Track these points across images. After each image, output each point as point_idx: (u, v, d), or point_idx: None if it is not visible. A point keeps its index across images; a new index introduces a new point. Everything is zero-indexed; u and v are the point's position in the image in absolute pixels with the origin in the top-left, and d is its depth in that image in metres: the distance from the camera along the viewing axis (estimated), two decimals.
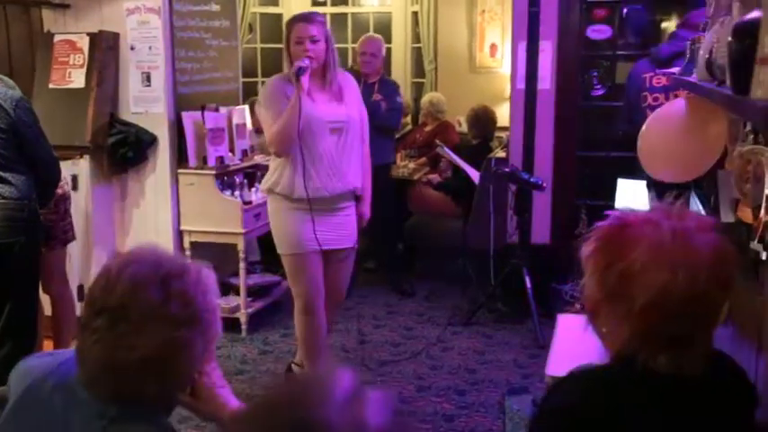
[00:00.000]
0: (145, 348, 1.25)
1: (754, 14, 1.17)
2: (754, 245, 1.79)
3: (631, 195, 3.60)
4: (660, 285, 1.31)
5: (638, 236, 1.36)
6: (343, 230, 3.52)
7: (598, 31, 5.22)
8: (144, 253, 1.33)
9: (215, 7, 5.01)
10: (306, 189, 3.35)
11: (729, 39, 1.25)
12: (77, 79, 4.51)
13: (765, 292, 1.73)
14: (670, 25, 5.28)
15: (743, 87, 1.20)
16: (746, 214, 1.85)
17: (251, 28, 8.12)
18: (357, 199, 3.61)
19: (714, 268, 1.32)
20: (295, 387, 0.86)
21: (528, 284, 4.68)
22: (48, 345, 3.86)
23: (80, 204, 4.44)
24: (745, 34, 1.19)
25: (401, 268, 5.70)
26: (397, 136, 6.82)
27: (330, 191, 3.39)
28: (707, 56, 1.82)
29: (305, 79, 3.25)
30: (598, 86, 5.41)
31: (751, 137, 1.92)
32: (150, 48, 4.54)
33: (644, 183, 3.40)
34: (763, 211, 1.72)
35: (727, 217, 2.13)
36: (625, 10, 5.40)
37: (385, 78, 5.56)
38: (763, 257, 1.75)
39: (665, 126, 2.46)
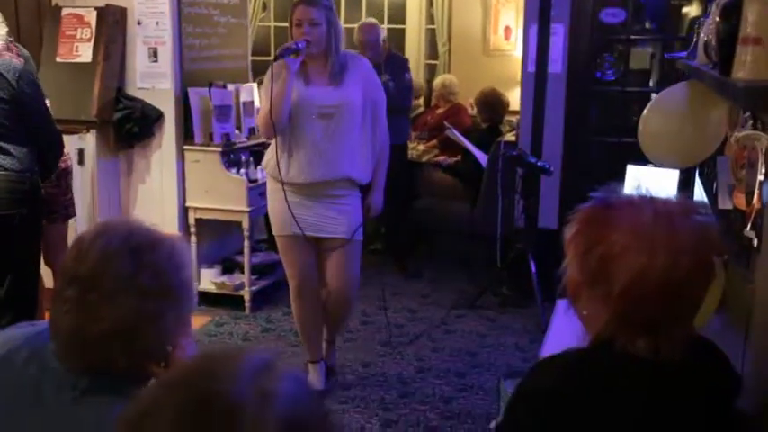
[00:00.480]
0: (113, 319, 1.24)
1: None
2: (747, 231, 1.76)
3: (641, 181, 3.56)
4: (639, 268, 1.29)
5: (620, 218, 1.34)
6: (332, 219, 3.41)
7: (612, 15, 5.14)
8: (117, 224, 1.33)
9: None
10: (286, 172, 3.31)
11: (717, 19, 1.22)
12: (84, 53, 4.51)
13: (756, 280, 1.71)
14: (691, 10, 5.20)
15: (727, 68, 1.17)
16: (741, 201, 1.82)
17: (265, 6, 8.10)
18: (363, 189, 3.52)
19: (695, 253, 1.30)
20: (205, 361, 0.86)
21: (533, 269, 4.66)
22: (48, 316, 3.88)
23: (86, 179, 4.46)
24: (731, 14, 1.16)
25: (407, 250, 5.66)
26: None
27: (311, 177, 3.30)
28: (705, 38, 1.78)
29: (290, 61, 3.17)
30: (610, 71, 5.35)
31: (750, 123, 1.89)
32: (157, 23, 4.52)
33: (653, 168, 3.36)
34: (755, 197, 1.70)
35: (724, 203, 2.10)
36: None
37: (392, 55, 5.41)
38: (755, 244, 1.73)
39: (667, 111, 2.42)
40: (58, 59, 4.53)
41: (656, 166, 2.91)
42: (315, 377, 3.69)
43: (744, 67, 1.10)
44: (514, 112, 5.89)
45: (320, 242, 3.47)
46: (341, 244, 3.44)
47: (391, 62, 5.23)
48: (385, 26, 8.53)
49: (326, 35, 3.26)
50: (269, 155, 3.44)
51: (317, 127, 3.28)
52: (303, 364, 3.69)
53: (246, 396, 0.79)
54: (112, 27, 4.53)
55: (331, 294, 3.58)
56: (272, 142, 3.43)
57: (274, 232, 3.53)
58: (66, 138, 3.90)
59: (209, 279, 4.76)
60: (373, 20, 5.54)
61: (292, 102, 3.24)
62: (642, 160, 3.64)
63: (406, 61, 5.48)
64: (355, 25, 8.63)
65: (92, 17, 4.52)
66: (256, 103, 5.05)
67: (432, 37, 8.21)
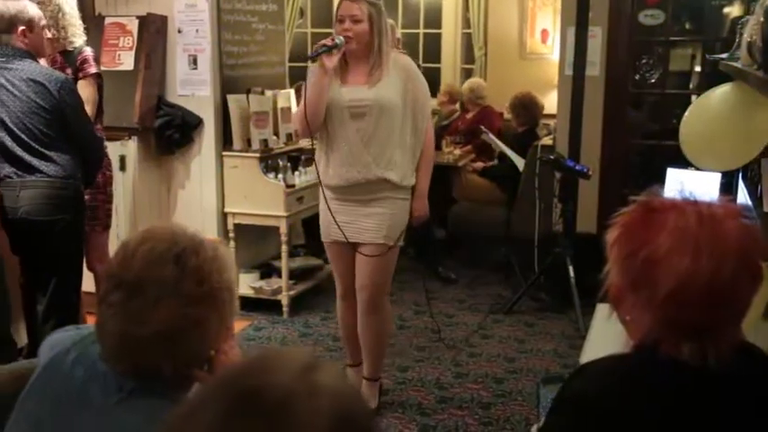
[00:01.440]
0: (158, 323, 1.26)
1: None
2: None
3: (681, 183, 3.51)
4: (684, 271, 1.27)
5: (663, 221, 1.32)
6: (370, 224, 3.29)
7: (651, 16, 5.09)
8: (161, 230, 1.34)
9: None
10: (325, 175, 3.27)
11: (761, 19, 1.20)
12: (126, 61, 4.58)
13: None
14: (732, 10, 5.12)
15: None
16: None
17: (302, 12, 8.15)
18: (411, 191, 3.39)
19: (741, 256, 1.28)
20: (252, 360, 0.87)
21: (571, 274, 4.62)
22: (91, 320, 3.94)
23: (127, 185, 4.53)
24: None
25: (441, 255, 5.62)
26: (444, 123, 6.79)
27: (346, 180, 3.23)
28: (749, 39, 1.75)
29: (328, 60, 3.07)
30: (650, 73, 5.29)
31: None
32: (197, 31, 4.58)
33: (694, 171, 3.32)
34: None
35: None
36: None
37: None
38: None
39: (709, 113, 2.39)
40: (101, 67, 4.59)
41: (696, 169, 2.87)
42: (357, 382, 3.66)
43: None
44: (551, 116, 5.85)
45: (357, 246, 3.38)
46: (377, 249, 3.32)
47: None
48: (421, 30, 8.56)
49: (369, 33, 3.16)
50: (316, 156, 3.39)
51: (351, 127, 3.20)
52: (342, 368, 3.68)
53: (297, 388, 0.80)
54: (154, 35, 4.60)
55: (359, 296, 3.44)
56: (318, 144, 3.37)
57: (322, 238, 3.49)
58: (108, 144, 3.98)
59: (247, 284, 4.79)
60: (389, 21, 5.47)
61: (328, 101, 3.17)
62: (682, 163, 3.59)
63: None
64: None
65: (134, 26, 4.60)
66: (293, 109, 5.09)
67: (468, 41, 8.19)
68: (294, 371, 0.82)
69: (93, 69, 3.72)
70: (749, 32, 1.81)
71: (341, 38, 3.11)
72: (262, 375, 0.82)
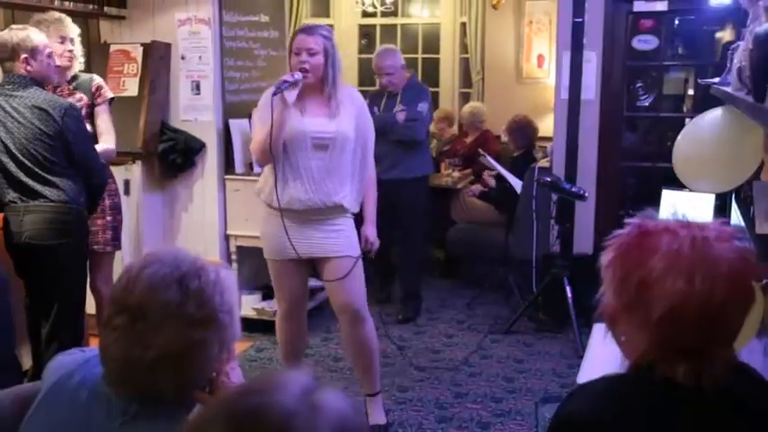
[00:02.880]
0: (161, 347, 1.26)
1: None
2: None
3: (676, 206, 3.52)
4: (677, 293, 1.28)
5: (656, 244, 1.33)
6: (326, 240, 3.34)
7: (644, 42, 5.12)
8: (164, 254, 1.35)
9: (264, 18, 5.07)
10: (282, 199, 3.27)
11: (750, 47, 1.21)
12: (131, 87, 4.61)
13: None
14: (724, 35, 5.16)
15: (761, 94, 1.16)
16: None
17: (367, 38, 8.25)
18: (357, 217, 3.46)
19: (733, 277, 1.28)
20: (253, 381, 0.87)
21: (569, 294, 4.62)
22: (94, 342, 3.94)
23: (131, 208, 4.54)
24: (764, 42, 1.15)
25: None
26: (446, 148, 6.81)
27: (304, 204, 3.26)
28: (738, 64, 1.77)
29: (288, 95, 3.13)
30: (644, 96, 5.32)
31: None
32: (200, 57, 4.62)
33: (688, 193, 3.32)
34: None
35: (762, 228, 2.07)
36: (677, 21, 5.30)
37: (411, 84, 5.13)
38: None
39: (701, 136, 2.40)
40: None
41: (690, 190, 2.88)
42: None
43: None
44: (548, 139, 5.87)
45: (318, 263, 3.42)
46: (338, 262, 3.35)
47: (407, 92, 5.02)
48: (420, 55, 8.60)
49: (324, 65, 3.23)
50: (262, 181, 3.43)
51: (312, 156, 3.25)
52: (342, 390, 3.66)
53: (297, 408, 0.80)
54: (157, 62, 4.63)
55: (340, 315, 3.47)
56: (265, 169, 3.41)
57: (266, 256, 3.47)
58: (113, 169, 4.00)
59: (249, 305, 4.79)
60: (391, 46, 5.41)
61: (288, 131, 3.22)
62: (677, 185, 3.61)
63: (423, 91, 5.17)
64: None
65: (138, 53, 4.63)
66: None
67: (465, 66, 8.24)
68: (295, 392, 0.82)
69: (110, 94, 3.81)
70: (739, 58, 1.83)
71: (298, 73, 3.18)
72: (263, 396, 0.82)
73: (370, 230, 3.51)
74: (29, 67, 3.23)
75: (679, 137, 2.49)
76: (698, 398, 1.30)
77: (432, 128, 7.22)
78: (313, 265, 3.49)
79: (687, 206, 3.32)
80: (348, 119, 3.30)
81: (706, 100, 3.96)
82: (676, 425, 1.29)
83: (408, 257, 5.19)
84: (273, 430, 0.79)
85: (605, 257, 1.40)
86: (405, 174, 4.89)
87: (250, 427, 0.80)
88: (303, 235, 3.33)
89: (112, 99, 3.83)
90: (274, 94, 3.16)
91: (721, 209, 3.32)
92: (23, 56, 3.21)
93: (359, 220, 3.53)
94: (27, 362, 3.60)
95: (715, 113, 2.39)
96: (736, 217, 2.89)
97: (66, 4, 4.37)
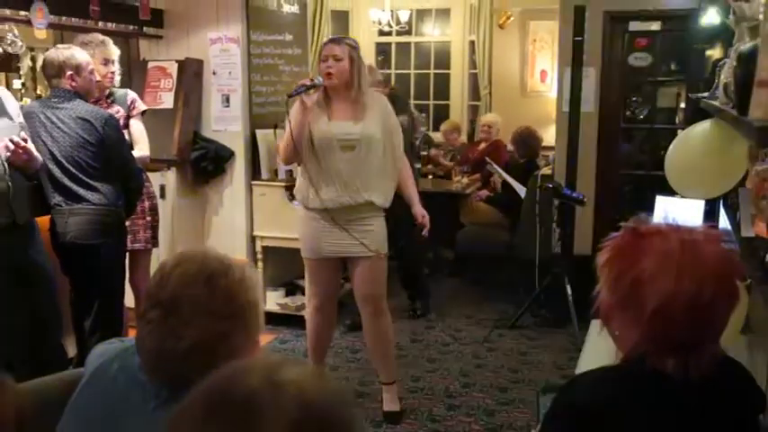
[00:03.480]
0: (191, 338, 1.27)
1: (755, 42, 1.12)
2: None
3: (669, 211, 3.50)
4: (668, 291, 1.27)
5: (649, 246, 1.33)
6: (358, 240, 3.32)
7: (640, 59, 5.11)
8: (194, 253, 1.36)
9: (288, 37, 5.09)
10: (314, 199, 3.29)
11: (734, 63, 1.20)
12: (167, 101, 4.64)
13: None
14: (714, 53, 5.12)
15: (744, 108, 1.16)
16: (762, 229, 1.78)
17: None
18: (386, 211, 3.44)
19: (720, 278, 1.28)
20: (224, 368, 0.87)
21: (569, 292, 4.60)
22: (132, 333, 3.96)
23: (167, 212, 4.56)
24: (747, 60, 1.14)
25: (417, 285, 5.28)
26: (459, 155, 6.79)
27: (335, 203, 3.26)
28: (725, 80, 1.76)
29: (306, 97, 3.15)
30: (639, 109, 5.29)
31: None
32: (230, 73, 4.64)
33: (681, 199, 3.30)
34: None
35: (747, 231, 2.05)
36: (670, 39, 5.27)
37: (390, 97, 4.12)
38: None
39: (691, 147, 2.39)
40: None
41: (683, 196, 2.86)
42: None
43: (760, 108, 1.09)
44: (550, 148, 5.85)
45: (349, 260, 3.42)
46: (367, 260, 3.35)
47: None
48: (431, 71, 8.61)
49: (349, 70, 3.23)
50: (298, 184, 3.43)
51: (340, 158, 3.25)
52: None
53: (260, 386, 0.80)
54: (191, 77, 4.66)
55: (362, 307, 3.47)
56: (300, 174, 3.41)
57: (303, 255, 3.47)
58: (150, 175, 4.03)
59: (274, 301, 4.80)
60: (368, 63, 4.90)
61: (318, 134, 3.22)
62: (670, 192, 3.59)
63: (403, 105, 4.79)
64: (408, 71, 8.77)
65: (173, 69, 4.66)
66: None
67: (474, 81, 8.23)
68: (258, 372, 0.83)
69: (143, 107, 3.86)
70: (725, 74, 1.82)
71: (320, 78, 3.20)
72: (230, 379, 0.83)
73: (418, 209, 3.50)
74: (73, 83, 3.26)
75: (671, 147, 2.48)
76: (685, 389, 1.29)
77: (440, 138, 7.24)
78: (343, 261, 3.48)
79: (679, 211, 3.32)
80: (374, 121, 3.29)
81: (697, 113, 3.94)
82: (665, 414, 1.28)
83: (412, 263, 5.08)
84: (239, 408, 0.79)
85: (601, 258, 1.40)
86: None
87: (219, 410, 0.80)
88: (336, 235, 3.33)
89: (144, 111, 3.87)
90: (291, 96, 3.18)
91: (710, 214, 3.30)
92: (69, 72, 3.25)
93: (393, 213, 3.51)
94: (72, 351, 3.63)
95: (704, 125, 2.37)
96: (723, 221, 2.87)
97: (110, 25, 4.41)
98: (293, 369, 0.84)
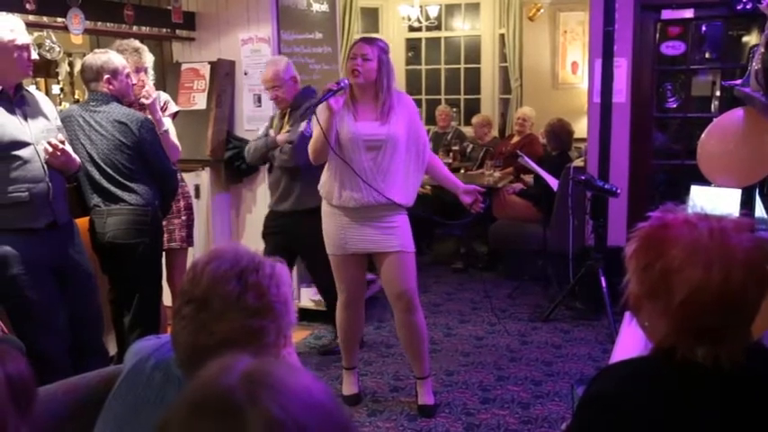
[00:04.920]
0: (223, 333, 1.29)
1: None
2: None
3: (703, 200, 3.45)
4: (697, 281, 1.26)
5: (677, 235, 1.32)
6: (382, 236, 3.34)
7: (672, 47, 5.03)
8: (225, 250, 1.38)
9: (318, 35, 5.12)
10: (339, 197, 3.32)
11: (762, 50, 1.19)
12: (200, 101, 4.71)
13: None
14: (751, 39, 5.02)
15: None
16: None
17: (413, 50, 8.36)
18: (408, 210, 3.44)
19: (749, 266, 1.26)
20: (206, 368, 0.89)
21: (603, 284, 4.56)
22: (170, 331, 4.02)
23: (202, 210, 4.63)
24: None
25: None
26: (491, 148, 6.78)
27: (359, 202, 3.29)
28: (756, 67, 1.73)
29: (333, 101, 3.15)
30: (672, 99, 5.21)
31: None
32: (261, 73, 4.67)
33: (716, 188, 3.25)
34: None
35: None
36: (704, 27, 5.18)
37: (301, 99, 4.07)
38: None
39: (724, 135, 2.35)
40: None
41: (717, 185, 2.81)
42: (348, 383, 3.71)
43: None
44: (582, 140, 5.80)
45: (375, 257, 3.44)
46: (394, 256, 3.37)
47: (296, 109, 4.08)
48: (462, 66, 8.59)
49: (377, 70, 3.24)
50: (323, 180, 3.45)
51: (366, 157, 3.26)
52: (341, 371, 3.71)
53: (239, 385, 0.81)
54: (223, 78, 4.71)
55: (390, 295, 3.47)
56: (325, 170, 3.43)
57: (329, 251, 3.49)
58: (185, 175, 4.10)
59: (308, 297, 4.84)
60: (278, 57, 4.26)
61: (344, 134, 3.25)
62: (706, 181, 3.53)
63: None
64: (439, 66, 8.76)
65: (206, 70, 4.72)
66: None
67: (505, 74, 8.19)
68: (239, 371, 0.84)
69: (175, 108, 3.93)
70: (757, 61, 1.79)
71: (345, 80, 3.21)
72: (211, 379, 0.85)
73: (462, 187, 3.53)
74: (110, 86, 3.33)
75: (702, 136, 2.44)
76: (716, 379, 1.28)
77: (471, 132, 7.22)
78: (370, 258, 3.50)
79: (714, 201, 3.27)
80: (399, 122, 3.31)
81: (732, 101, 3.87)
82: (695, 405, 1.27)
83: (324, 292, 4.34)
84: (220, 408, 0.81)
85: (629, 248, 1.39)
86: (297, 206, 4.02)
87: (201, 407, 0.82)
88: (360, 231, 3.36)
89: (177, 112, 3.95)
90: (318, 104, 3.21)
91: (747, 201, 3.24)
92: (106, 76, 3.31)
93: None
94: (113, 348, 3.71)
95: (736, 113, 2.33)
96: (759, 210, 2.82)
97: (144, 29, 4.49)
98: (274, 368, 0.86)
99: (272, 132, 4.10)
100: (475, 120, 7.21)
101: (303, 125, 3.91)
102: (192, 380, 0.89)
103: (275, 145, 4.03)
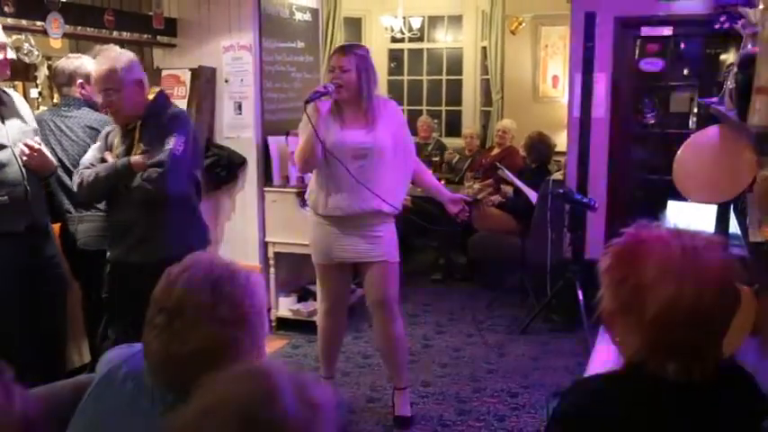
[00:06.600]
0: (196, 343, 1.28)
1: (754, 48, 1.13)
2: None
3: (679, 216, 3.49)
4: (668, 298, 1.27)
5: (650, 252, 1.33)
6: (368, 245, 3.35)
7: (651, 64, 5.10)
8: (200, 259, 1.37)
9: (300, 44, 5.13)
10: (325, 206, 3.32)
11: (735, 70, 1.21)
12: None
13: None
14: (728, 57, 5.09)
15: (745, 114, 1.16)
16: None
17: (395, 61, 8.38)
18: (396, 218, 3.45)
19: (720, 284, 1.28)
20: (241, 386, 0.87)
21: (580, 297, 4.58)
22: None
23: None
24: (748, 65, 1.15)
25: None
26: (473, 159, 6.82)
27: (346, 211, 3.28)
28: (731, 86, 1.76)
29: (321, 103, 3.16)
30: (651, 114, 5.28)
31: None
32: (242, 80, 4.68)
33: (693, 204, 3.28)
34: None
35: (754, 236, 2.05)
36: (682, 44, 5.26)
37: (155, 110, 3.08)
38: None
39: (700, 151, 2.38)
40: None
41: (693, 201, 2.85)
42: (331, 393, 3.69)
43: (758, 114, 1.09)
44: (562, 153, 5.84)
45: (359, 266, 3.44)
46: (378, 266, 3.37)
47: (150, 122, 3.04)
48: (444, 77, 8.62)
49: (357, 81, 3.23)
50: (309, 189, 3.46)
51: (352, 166, 3.25)
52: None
53: (297, 411, 0.81)
54: (204, 85, 4.70)
55: (371, 303, 3.46)
56: (312, 179, 3.44)
57: (314, 260, 3.49)
58: None
59: (286, 306, 4.82)
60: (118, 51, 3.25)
61: (330, 142, 3.24)
62: (683, 196, 3.57)
63: (179, 119, 3.16)
64: (421, 77, 8.79)
65: (186, 77, 4.71)
66: None
67: (486, 86, 8.24)
68: (288, 392, 0.85)
69: None
70: (731, 80, 1.82)
71: (331, 85, 3.20)
72: (258, 402, 0.86)
73: (449, 196, 3.58)
74: (83, 91, 3.31)
75: (678, 152, 2.47)
76: (687, 395, 1.29)
77: (463, 144, 7.26)
78: (355, 267, 3.50)
79: (691, 216, 3.31)
80: (386, 130, 3.30)
81: (709, 118, 3.93)
82: (663, 419, 1.28)
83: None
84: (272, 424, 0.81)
85: (603, 263, 1.40)
86: (148, 257, 2.94)
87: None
88: (345, 241, 3.36)
89: None
90: (307, 102, 3.19)
91: (722, 218, 3.28)
92: (79, 81, 3.29)
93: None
94: (87, 356, 3.66)
95: (712, 130, 2.37)
96: (734, 226, 2.86)
97: (125, 34, 4.46)
98: (319, 387, 0.85)
99: (109, 157, 3.03)
100: (466, 131, 7.29)
101: (171, 142, 2.94)
102: (218, 396, 0.90)
103: (131, 171, 2.94)
